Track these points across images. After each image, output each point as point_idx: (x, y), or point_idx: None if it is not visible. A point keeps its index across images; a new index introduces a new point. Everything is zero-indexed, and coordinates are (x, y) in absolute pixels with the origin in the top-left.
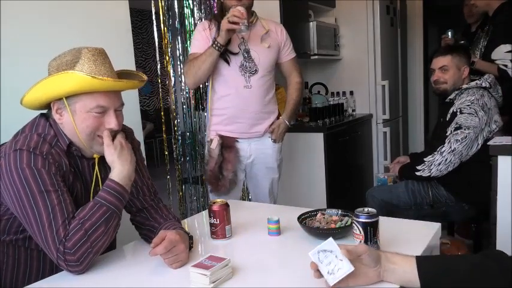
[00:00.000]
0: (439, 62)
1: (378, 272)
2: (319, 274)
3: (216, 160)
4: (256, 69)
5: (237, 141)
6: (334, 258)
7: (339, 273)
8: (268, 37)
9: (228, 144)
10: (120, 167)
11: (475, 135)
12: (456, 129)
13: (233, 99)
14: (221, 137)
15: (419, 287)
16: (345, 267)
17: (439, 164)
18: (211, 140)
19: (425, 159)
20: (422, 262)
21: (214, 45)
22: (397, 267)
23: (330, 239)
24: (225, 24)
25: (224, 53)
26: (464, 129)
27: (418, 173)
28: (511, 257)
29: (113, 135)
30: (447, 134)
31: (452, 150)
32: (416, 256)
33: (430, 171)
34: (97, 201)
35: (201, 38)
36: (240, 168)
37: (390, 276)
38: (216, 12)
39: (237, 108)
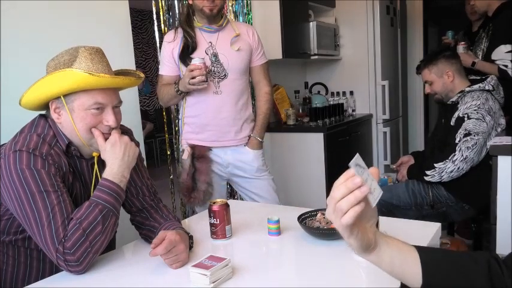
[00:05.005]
0: (422, 77)
1: (372, 233)
2: (367, 189)
3: (188, 171)
4: (225, 74)
5: (211, 149)
6: (368, 176)
7: (376, 193)
8: (239, 40)
9: (200, 154)
10: (110, 165)
11: (484, 140)
12: (465, 135)
13: (203, 106)
14: (192, 147)
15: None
16: (378, 188)
17: (451, 171)
18: (184, 150)
19: (435, 165)
20: (424, 251)
21: (176, 90)
22: (392, 243)
23: (358, 155)
24: (186, 86)
25: (189, 60)
26: (474, 136)
27: (427, 178)
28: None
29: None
30: (456, 141)
31: (465, 158)
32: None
33: (441, 177)
34: (92, 201)
35: (167, 55)
36: (221, 177)
37: (384, 247)
38: (182, 18)
39: (207, 115)
